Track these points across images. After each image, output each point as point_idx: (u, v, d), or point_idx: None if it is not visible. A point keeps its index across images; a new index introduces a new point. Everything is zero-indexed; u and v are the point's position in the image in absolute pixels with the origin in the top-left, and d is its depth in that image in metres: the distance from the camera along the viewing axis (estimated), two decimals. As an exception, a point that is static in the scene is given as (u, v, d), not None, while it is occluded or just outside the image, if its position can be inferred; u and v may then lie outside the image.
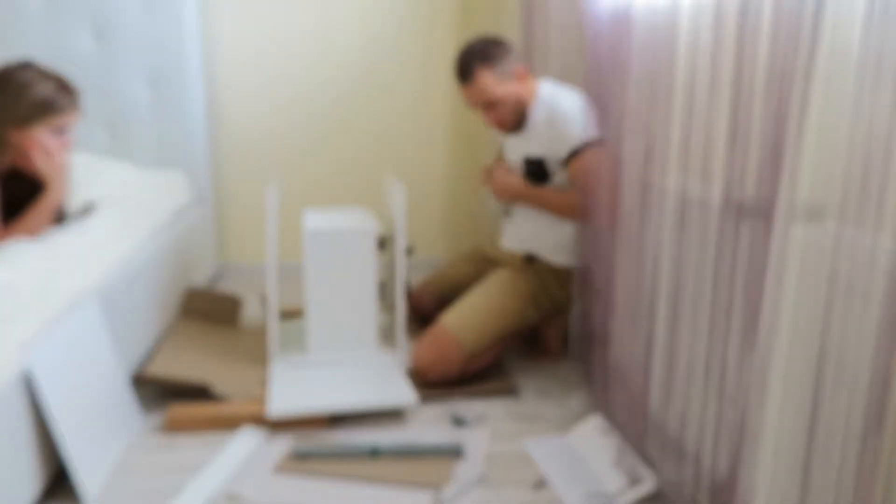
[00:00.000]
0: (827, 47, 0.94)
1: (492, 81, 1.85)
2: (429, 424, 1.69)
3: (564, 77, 1.99)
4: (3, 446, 1.18)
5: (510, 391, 1.85)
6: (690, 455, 1.31)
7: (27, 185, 1.66)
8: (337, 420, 1.69)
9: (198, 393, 1.74)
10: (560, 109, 1.86)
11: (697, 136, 1.24)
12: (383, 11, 2.78)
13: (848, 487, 0.93)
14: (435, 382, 1.84)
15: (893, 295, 0.84)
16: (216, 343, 2.02)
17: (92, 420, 1.44)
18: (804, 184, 0.99)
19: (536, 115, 1.91)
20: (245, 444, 1.56)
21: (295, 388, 1.76)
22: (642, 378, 1.48)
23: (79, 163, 1.94)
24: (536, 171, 1.94)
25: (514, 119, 1.93)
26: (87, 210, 1.85)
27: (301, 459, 1.52)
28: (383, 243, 2.06)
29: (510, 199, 2.01)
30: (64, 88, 1.64)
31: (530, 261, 2.02)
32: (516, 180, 1.98)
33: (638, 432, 1.49)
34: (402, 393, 1.73)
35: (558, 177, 1.91)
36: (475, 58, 1.84)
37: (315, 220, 1.95)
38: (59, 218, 1.72)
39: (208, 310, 2.18)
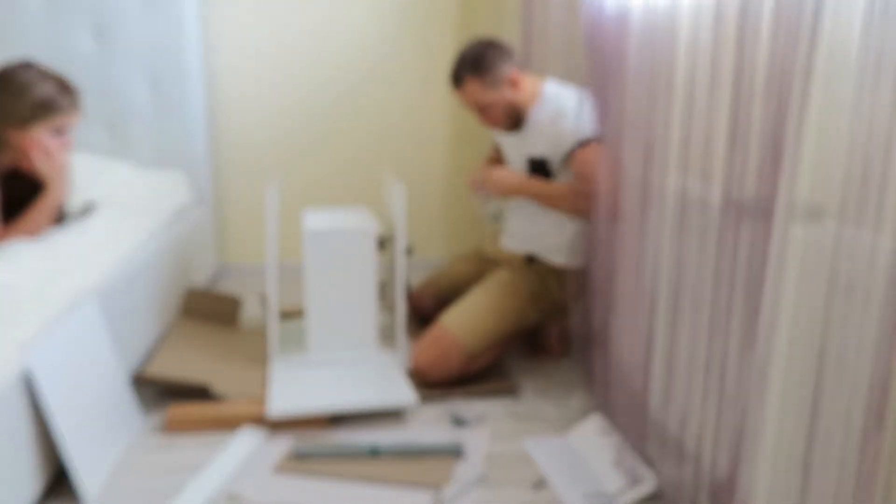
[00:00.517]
0: (826, 47, 0.94)
1: (479, 90, 1.87)
2: (429, 424, 1.69)
3: (565, 77, 1.99)
4: (3, 446, 1.18)
5: (510, 391, 1.85)
6: (690, 455, 1.31)
7: (27, 185, 1.66)
8: (337, 420, 1.69)
9: (198, 393, 1.74)
10: (564, 108, 1.86)
11: (697, 136, 1.24)
12: (383, 12, 2.78)
13: (848, 487, 0.93)
14: (435, 382, 1.84)
15: (893, 295, 0.84)
16: (216, 343, 2.02)
17: (92, 420, 1.44)
18: (804, 184, 0.99)
19: (540, 115, 1.91)
20: (245, 444, 1.56)
21: (295, 388, 1.76)
22: (642, 378, 1.48)
23: (79, 163, 1.94)
24: (540, 171, 1.94)
25: (508, 121, 1.94)
26: (87, 210, 1.85)
27: (301, 459, 1.52)
28: (383, 243, 2.06)
29: (508, 193, 2.01)
30: (64, 88, 1.63)
31: (530, 261, 2.02)
32: (514, 174, 1.98)
33: (638, 432, 1.49)
34: (402, 393, 1.73)
35: (562, 176, 1.92)
36: (465, 67, 1.87)
37: (315, 220, 1.95)
38: (60, 218, 1.72)
39: (208, 310, 2.18)
